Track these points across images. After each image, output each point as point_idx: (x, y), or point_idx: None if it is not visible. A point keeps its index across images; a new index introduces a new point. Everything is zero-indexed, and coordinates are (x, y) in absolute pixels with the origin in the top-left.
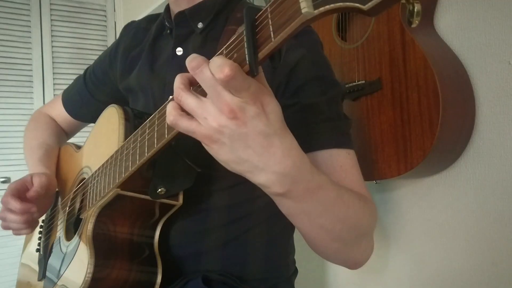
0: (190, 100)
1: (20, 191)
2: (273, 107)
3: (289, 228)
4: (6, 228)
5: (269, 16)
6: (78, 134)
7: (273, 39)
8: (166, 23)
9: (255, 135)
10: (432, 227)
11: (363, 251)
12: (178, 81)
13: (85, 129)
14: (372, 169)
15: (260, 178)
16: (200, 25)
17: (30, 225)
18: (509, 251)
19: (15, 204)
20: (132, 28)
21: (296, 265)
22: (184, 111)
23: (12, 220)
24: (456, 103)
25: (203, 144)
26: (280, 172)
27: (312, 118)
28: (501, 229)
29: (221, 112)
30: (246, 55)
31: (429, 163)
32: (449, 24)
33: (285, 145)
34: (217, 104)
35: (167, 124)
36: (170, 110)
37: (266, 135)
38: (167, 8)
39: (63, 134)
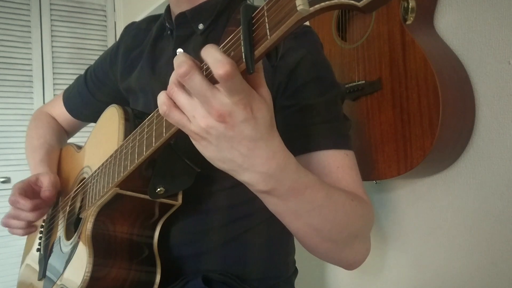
0: (181, 97)
1: (27, 191)
2: (263, 113)
3: None
4: (5, 225)
5: (266, 14)
6: (79, 134)
7: (269, 37)
8: (167, 24)
9: (242, 138)
10: (432, 227)
11: (357, 252)
12: (174, 76)
13: (86, 129)
14: (372, 169)
15: (244, 176)
16: (201, 26)
17: (29, 226)
18: (509, 251)
19: (24, 202)
20: (132, 29)
21: (296, 265)
22: None
23: (24, 218)
24: (456, 103)
25: (191, 139)
26: (264, 172)
27: (310, 119)
28: (501, 229)
29: (210, 114)
30: (243, 53)
31: (429, 163)
32: (449, 24)
33: (271, 148)
34: (206, 108)
35: (165, 122)
36: (164, 101)
37: (252, 139)
38: (168, 9)
39: (64, 133)
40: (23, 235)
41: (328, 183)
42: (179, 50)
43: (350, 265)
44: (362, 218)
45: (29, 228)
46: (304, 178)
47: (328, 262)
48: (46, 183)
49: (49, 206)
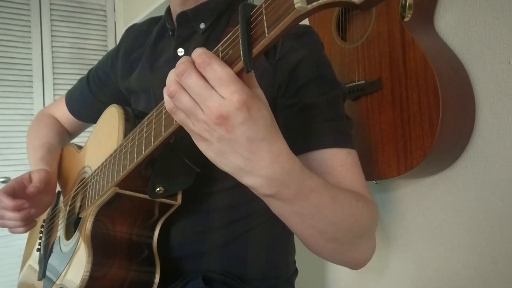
0: (183, 98)
1: (16, 189)
2: (263, 113)
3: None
4: (3, 226)
5: (264, 12)
6: (80, 134)
7: (267, 35)
8: (168, 25)
9: (243, 140)
10: (432, 226)
11: (363, 251)
12: (173, 76)
13: (87, 129)
14: (372, 169)
15: (247, 180)
16: (202, 25)
17: (27, 223)
18: (509, 250)
19: (6, 202)
20: (133, 31)
21: (296, 265)
22: None
23: (9, 218)
24: (456, 103)
25: (193, 139)
26: (268, 176)
27: (313, 117)
28: (501, 229)
29: (208, 116)
30: (241, 51)
31: (429, 163)
32: (449, 24)
33: (274, 150)
34: (205, 111)
35: (164, 121)
36: (168, 99)
37: (253, 141)
38: (168, 10)
39: (66, 134)
40: (14, 232)
41: (331, 182)
42: (180, 49)
43: (356, 265)
44: (367, 218)
45: (20, 227)
46: (309, 181)
47: (333, 263)
48: (35, 179)
49: (39, 208)
